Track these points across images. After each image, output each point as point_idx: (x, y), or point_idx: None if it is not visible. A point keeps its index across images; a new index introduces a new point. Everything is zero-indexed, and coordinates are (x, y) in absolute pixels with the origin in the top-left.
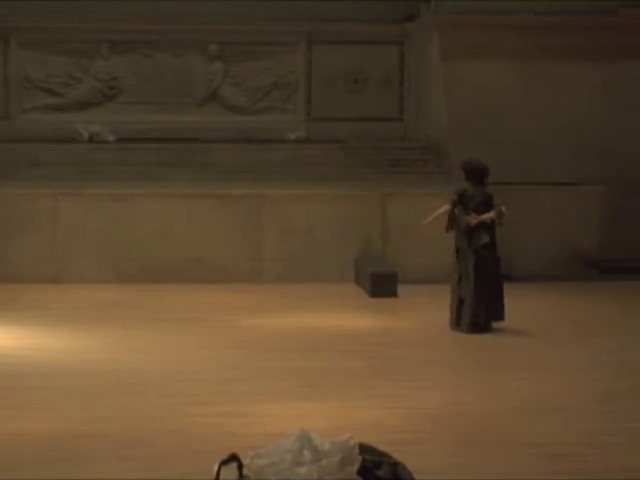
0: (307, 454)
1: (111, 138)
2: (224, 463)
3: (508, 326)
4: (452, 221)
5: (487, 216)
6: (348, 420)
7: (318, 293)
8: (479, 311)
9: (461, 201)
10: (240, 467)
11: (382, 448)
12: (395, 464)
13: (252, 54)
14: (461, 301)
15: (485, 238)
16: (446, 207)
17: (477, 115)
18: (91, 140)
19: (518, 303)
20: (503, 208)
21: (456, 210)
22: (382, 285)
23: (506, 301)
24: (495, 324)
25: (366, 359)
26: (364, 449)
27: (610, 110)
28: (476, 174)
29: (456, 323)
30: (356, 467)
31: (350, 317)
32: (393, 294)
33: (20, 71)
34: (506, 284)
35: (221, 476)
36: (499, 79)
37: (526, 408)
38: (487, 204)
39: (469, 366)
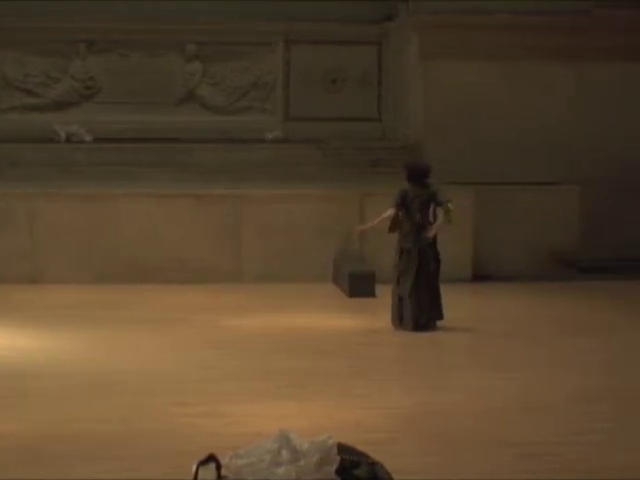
0: (285, 454)
1: (88, 138)
2: (202, 464)
3: (488, 326)
4: (395, 223)
5: (437, 224)
6: (329, 420)
7: (298, 293)
8: (421, 308)
9: (405, 202)
10: (218, 467)
11: (362, 448)
12: (373, 464)
13: (230, 54)
14: (400, 299)
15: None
16: (390, 211)
17: (457, 115)
18: (68, 140)
19: (498, 303)
20: (450, 205)
21: (400, 213)
22: (360, 285)
23: (443, 300)
24: (438, 323)
25: (346, 359)
26: (342, 449)
27: (592, 110)
28: (417, 174)
29: (398, 321)
30: (334, 467)
31: (330, 317)
32: (371, 294)
33: None
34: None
35: (199, 476)
36: (479, 79)
37: (508, 408)
38: (430, 202)
39: (450, 366)
